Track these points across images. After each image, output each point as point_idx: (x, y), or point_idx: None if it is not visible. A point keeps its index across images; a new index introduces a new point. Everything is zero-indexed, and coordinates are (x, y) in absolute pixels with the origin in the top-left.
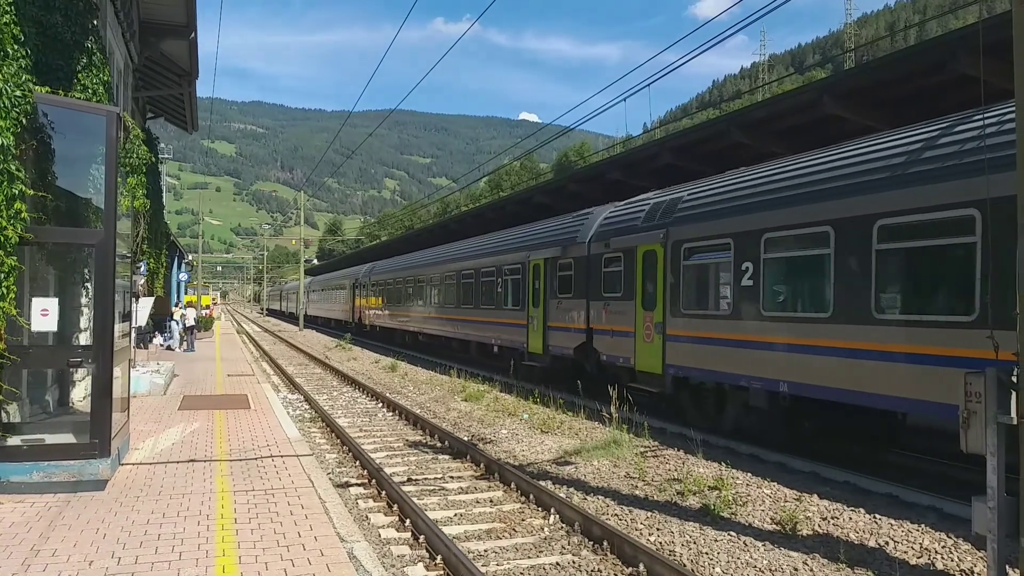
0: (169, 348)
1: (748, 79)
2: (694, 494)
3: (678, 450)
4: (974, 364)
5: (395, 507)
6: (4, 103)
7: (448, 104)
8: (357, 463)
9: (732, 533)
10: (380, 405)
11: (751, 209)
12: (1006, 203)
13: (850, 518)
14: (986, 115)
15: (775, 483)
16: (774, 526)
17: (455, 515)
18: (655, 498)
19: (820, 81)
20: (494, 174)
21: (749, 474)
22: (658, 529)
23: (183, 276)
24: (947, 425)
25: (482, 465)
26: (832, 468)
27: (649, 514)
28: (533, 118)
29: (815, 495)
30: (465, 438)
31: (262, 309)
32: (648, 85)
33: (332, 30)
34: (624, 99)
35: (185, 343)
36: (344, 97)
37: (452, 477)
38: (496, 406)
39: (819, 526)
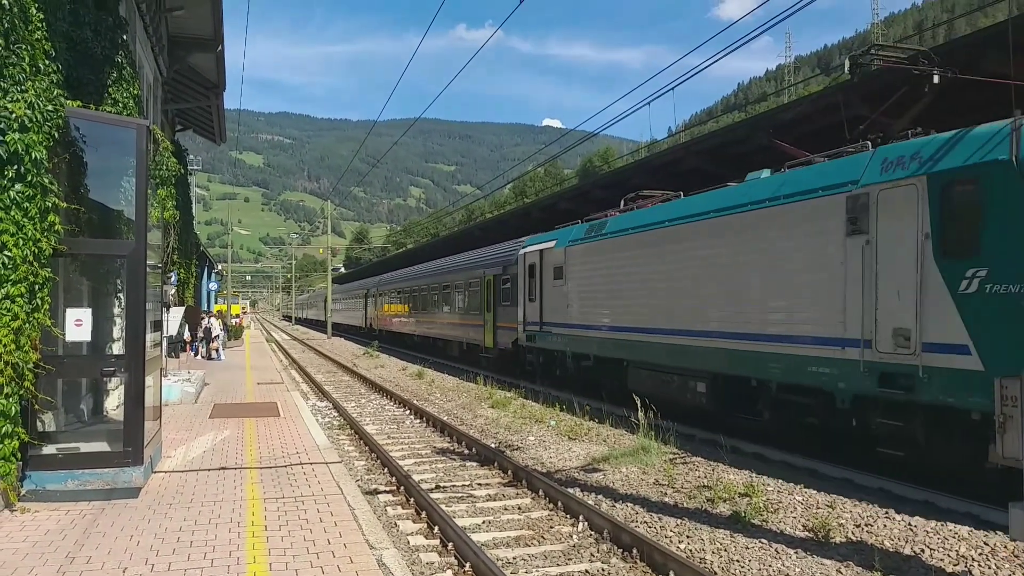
0: (203, 356)
1: (774, 81)
2: (724, 501)
3: (707, 457)
4: None
5: (423, 514)
6: (36, 117)
7: (472, 112)
8: (385, 470)
9: (763, 540)
10: (407, 412)
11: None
12: None
13: (884, 525)
14: None
15: (807, 490)
16: (806, 533)
17: (483, 522)
18: (685, 505)
19: (846, 81)
20: (518, 181)
21: (780, 481)
22: (688, 536)
23: (213, 286)
24: None
25: (510, 472)
26: (865, 475)
27: (679, 521)
28: (557, 124)
29: (848, 501)
30: (492, 445)
31: (290, 317)
32: (672, 89)
33: (356, 40)
34: (648, 103)
35: (206, 352)
36: (369, 106)
37: (480, 484)
38: (523, 413)
39: (853, 533)
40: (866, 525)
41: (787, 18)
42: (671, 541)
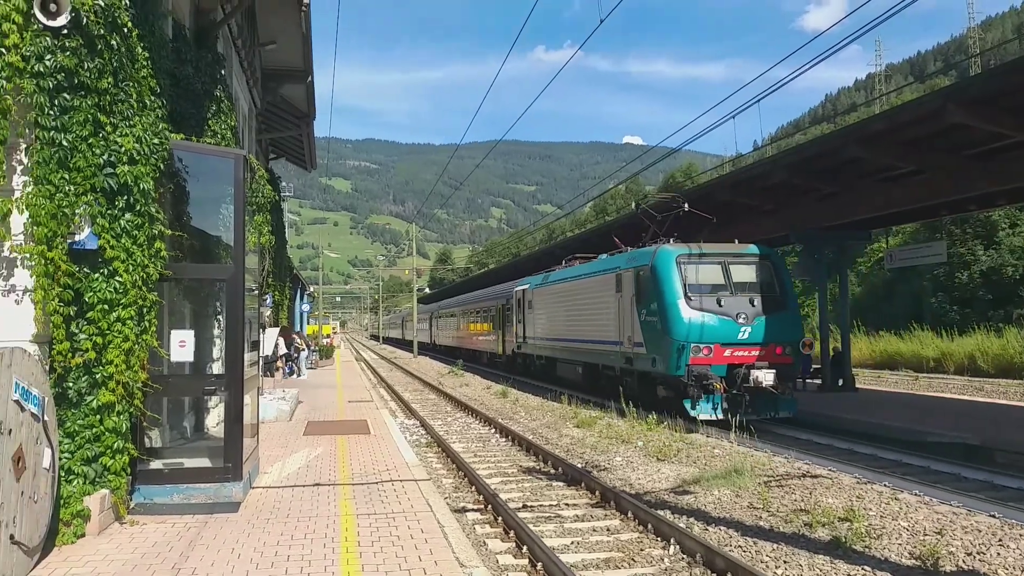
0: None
1: (864, 91)
2: (823, 526)
3: (803, 478)
4: None
5: (511, 533)
6: (144, 150)
7: (552, 132)
8: (473, 488)
9: (866, 567)
10: (493, 431)
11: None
12: None
13: (998, 553)
14: None
15: (913, 516)
16: (913, 561)
17: (572, 543)
18: (781, 529)
19: (943, 89)
20: (599, 199)
21: (883, 506)
22: (785, 562)
23: (305, 307)
24: None
25: (597, 493)
26: (977, 499)
27: (775, 546)
28: (637, 141)
29: (958, 528)
30: (579, 465)
31: (377, 336)
32: (758, 101)
33: (437, 67)
34: (733, 117)
35: (288, 370)
36: (451, 130)
37: (567, 504)
38: (609, 433)
39: (963, 562)
40: (978, 553)
41: (877, 26)
42: (767, 566)
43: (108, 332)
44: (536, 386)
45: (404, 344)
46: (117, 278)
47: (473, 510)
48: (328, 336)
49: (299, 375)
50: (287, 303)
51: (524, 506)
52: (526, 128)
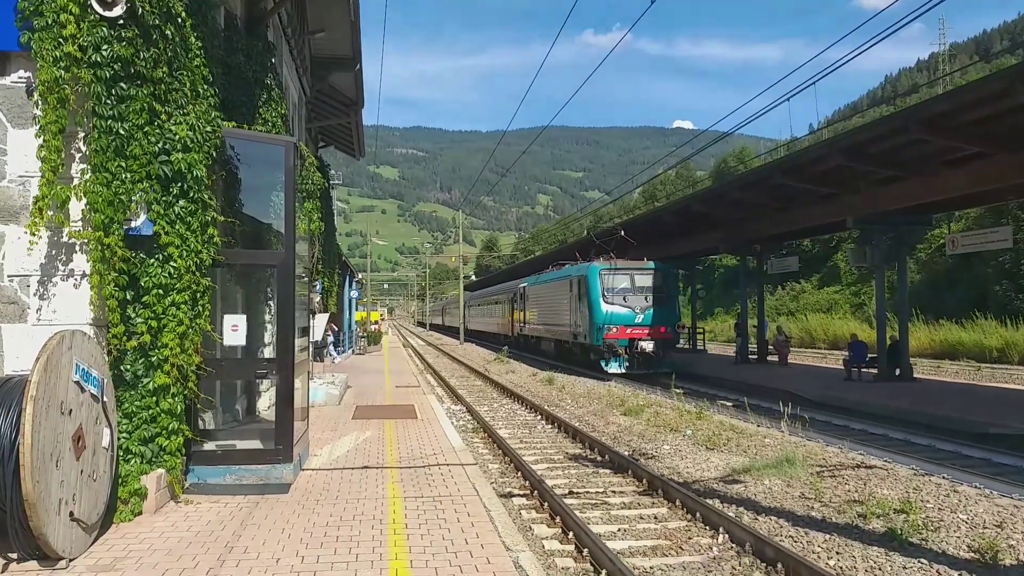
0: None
1: (926, 71)
2: (878, 517)
3: (856, 468)
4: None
5: (558, 519)
6: (197, 138)
7: (599, 117)
8: (519, 474)
9: (923, 560)
10: (539, 417)
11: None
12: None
13: None
14: None
15: (972, 509)
16: (971, 554)
17: (618, 530)
18: (833, 520)
19: (1011, 68)
20: (648, 184)
21: (941, 498)
22: (838, 553)
23: (354, 293)
24: None
25: (644, 481)
26: None
27: (827, 537)
28: (688, 125)
29: (1019, 521)
30: (626, 453)
31: (424, 323)
32: (813, 83)
33: (484, 53)
34: (787, 99)
35: (332, 355)
36: (498, 117)
37: (614, 492)
38: (657, 421)
39: None
40: None
41: (941, 3)
42: (819, 557)
43: (163, 316)
44: (583, 372)
45: (448, 331)
46: (171, 263)
47: (519, 495)
48: (376, 322)
49: (333, 360)
50: (336, 290)
51: (570, 492)
52: (573, 114)
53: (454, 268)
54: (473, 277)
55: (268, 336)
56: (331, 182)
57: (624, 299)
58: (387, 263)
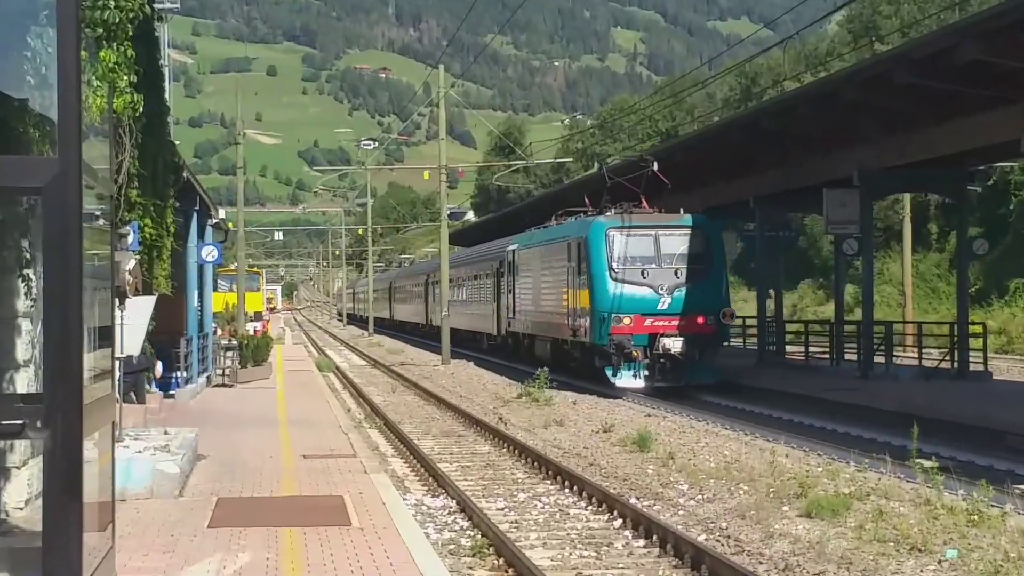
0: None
1: None
2: None
3: None
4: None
5: None
6: None
7: None
8: None
9: None
10: (621, 524)
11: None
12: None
13: None
14: None
15: None
16: None
17: None
18: None
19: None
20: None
21: None
22: None
23: (211, 252)
24: None
25: None
26: None
27: None
28: None
29: None
30: None
31: (363, 318)
32: None
33: None
34: None
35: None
36: None
37: None
38: (879, 532)
39: None
40: None
41: None
42: None
43: None
44: (716, 431)
45: (408, 330)
46: None
47: None
48: (261, 315)
49: (164, 396)
50: (170, 242)
51: None
52: None
53: (427, 197)
54: (471, 216)
55: (23, 347)
56: (159, 9)
57: (643, 273)
58: (284, 187)
